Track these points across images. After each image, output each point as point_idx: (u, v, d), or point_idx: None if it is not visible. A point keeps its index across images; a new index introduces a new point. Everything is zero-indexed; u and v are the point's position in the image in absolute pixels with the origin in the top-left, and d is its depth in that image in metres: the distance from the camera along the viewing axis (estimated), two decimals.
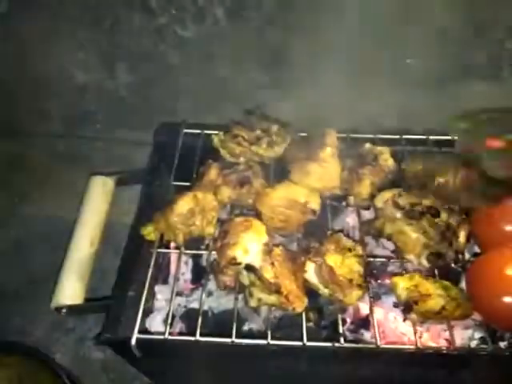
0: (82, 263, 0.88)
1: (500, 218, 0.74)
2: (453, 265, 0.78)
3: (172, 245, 0.93)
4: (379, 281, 0.96)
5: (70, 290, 0.84)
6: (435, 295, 0.68)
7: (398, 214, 0.78)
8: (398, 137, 0.99)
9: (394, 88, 1.25)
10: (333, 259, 0.71)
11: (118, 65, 1.42)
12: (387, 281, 0.96)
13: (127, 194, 1.06)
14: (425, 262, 0.75)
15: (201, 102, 1.39)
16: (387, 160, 0.89)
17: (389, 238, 0.80)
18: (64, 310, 0.83)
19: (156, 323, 0.89)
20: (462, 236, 0.76)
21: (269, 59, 1.26)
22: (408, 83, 1.24)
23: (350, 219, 0.96)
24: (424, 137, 0.99)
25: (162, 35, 1.29)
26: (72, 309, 0.83)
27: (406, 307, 0.70)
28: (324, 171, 0.86)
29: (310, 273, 0.71)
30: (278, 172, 0.94)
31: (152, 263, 0.79)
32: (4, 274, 1.34)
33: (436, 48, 1.20)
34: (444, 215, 0.77)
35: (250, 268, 0.70)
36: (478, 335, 0.88)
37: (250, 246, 0.73)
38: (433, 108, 1.28)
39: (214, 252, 0.79)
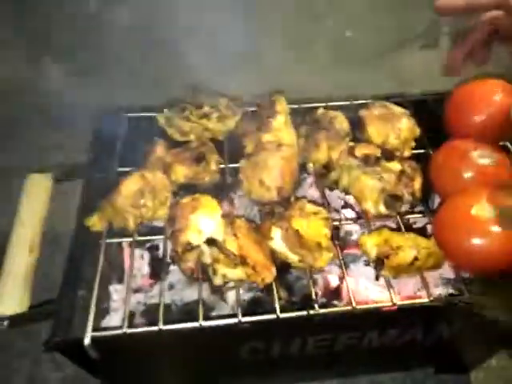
0: (22, 268, 0.78)
1: (459, 165, 0.73)
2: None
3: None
4: (345, 251, 0.94)
5: (10, 299, 0.74)
6: (406, 247, 0.66)
7: (354, 164, 0.76)
8: (348, 103, 0.98)
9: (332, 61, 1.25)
10: (298, 223, 0.67)
11: (47, 58, 1.31)
12: (353, 250, 0.95)
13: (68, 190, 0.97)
14: (383, 209, 0.74)
15: (139, 89, 1.31)
16: (342, 123, 0.86)
17: (345, 191, 0.79)
18: (5, 322, 0.72)
19: (113, 324, 0.81)
20: (417, 181, 0.75)
21: None
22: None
23: (312, 187, 0.93)
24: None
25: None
26: (15, 319, 0.72)
27: (378, 263, 0.67)
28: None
29: (277, 240, 0.67)
30: (232, 148, 0.89)
31: (102, 255, 0.71)
32: None
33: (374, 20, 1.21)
34: (398, 163, 0.76)
35: (211, 242, 0.65)
36: (446, 291, 0.88)
37: (202, 225, 0.68)
38: (372, 80, 1.29)
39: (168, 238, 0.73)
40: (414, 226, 0.92)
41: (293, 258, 0.67)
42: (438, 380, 1.13)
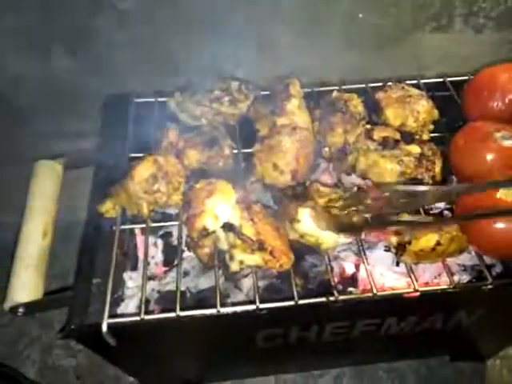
0: (36, 256, 0.77)
1: (482, 146, 0.71)
2: None
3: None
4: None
5: (26, 286, 0.73)
6: (428, 231, 0.64)
7: (372, 147, 0.73)
8: (363, 85, 0.96)
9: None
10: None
11: (54, 47, 1.28)
12: (368, 236, 0.93)
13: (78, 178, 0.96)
14: None
15: (147, 77, 1.29)
16: (357, 106, 0.84)
17: (362, 175, 0.76)
18: (21, 310, 0.72)
19: (128, 311, 0.80)
20: (437, 164, 0.73)
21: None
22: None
23: (326, 172, 0.91)
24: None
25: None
26: (30, 306, 0.72)
27: (399, 249, 0.65)
28: None
29: (305, 220, 0.64)
30: (244, 132, 0.87)
31: (116, 241, 0.70)
32: None
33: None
34: (417, 146, 0.74)
35: (227, 227, 0.63)
36: (464, 278, 0.86)
37: (218, 210, 0.66)
38: (387, 64, 1.26)
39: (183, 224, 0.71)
40: (431, 212, 0.90)
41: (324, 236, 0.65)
42: (452, 367, 1.12)
